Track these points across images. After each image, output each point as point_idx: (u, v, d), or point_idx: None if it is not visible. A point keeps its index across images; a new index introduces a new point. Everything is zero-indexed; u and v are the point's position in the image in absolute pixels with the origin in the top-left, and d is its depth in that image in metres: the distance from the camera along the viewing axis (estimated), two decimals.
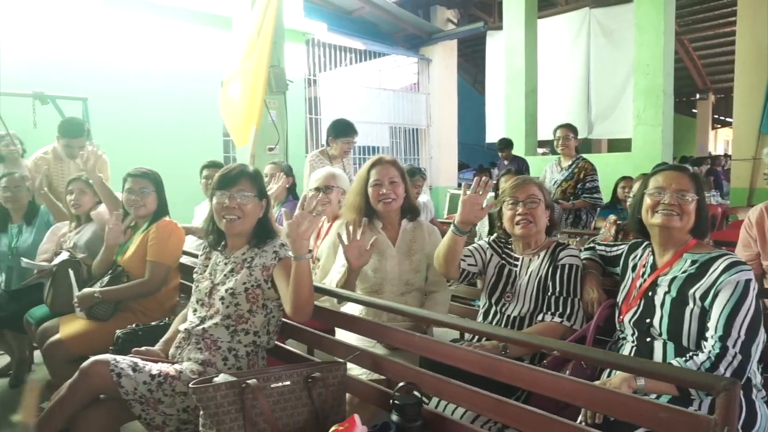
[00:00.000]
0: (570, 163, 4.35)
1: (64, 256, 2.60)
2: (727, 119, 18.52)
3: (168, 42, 6.56)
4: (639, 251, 1.78)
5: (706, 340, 1.43)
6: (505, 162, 6.21)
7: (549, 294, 1.87)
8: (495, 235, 2.14)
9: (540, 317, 1.86)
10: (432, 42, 9.56)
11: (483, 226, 3.16)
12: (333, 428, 1.20)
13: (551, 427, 1.16)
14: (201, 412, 1.29)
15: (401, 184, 2.20)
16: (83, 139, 3.81)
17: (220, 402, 1.25)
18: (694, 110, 16.85)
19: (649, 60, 5.84)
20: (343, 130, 3.97)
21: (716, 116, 17.86)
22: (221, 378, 1.31)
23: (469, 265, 2.01)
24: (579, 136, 4.99)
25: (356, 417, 1.23)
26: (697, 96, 15.89)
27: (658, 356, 1.53)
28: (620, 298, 1.73)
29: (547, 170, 4.47)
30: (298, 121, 7.98)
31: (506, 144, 6.30)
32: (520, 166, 5.67)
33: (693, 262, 1.55)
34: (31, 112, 4.50)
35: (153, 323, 2.22)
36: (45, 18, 5.56)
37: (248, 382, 1.28)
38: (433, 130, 10.01)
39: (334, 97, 8.49)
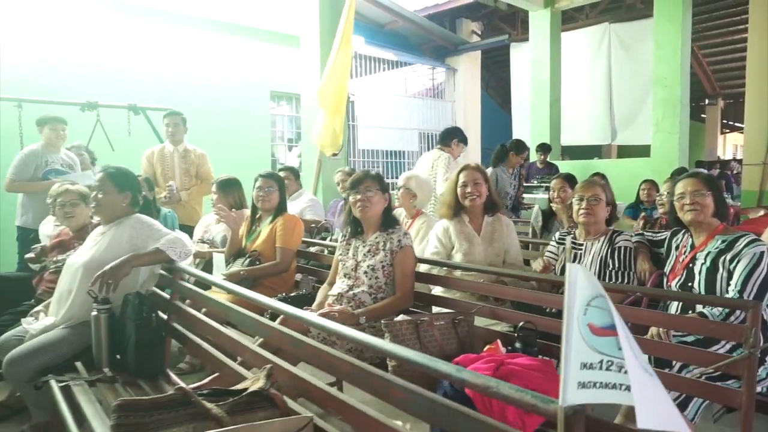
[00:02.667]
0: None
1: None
2: (736, 124, 19.01)
3: (227, 56, 7.20)
4: (679, 236, 2.37)
5: (728, 293, 2.03)
6: (539, 165, 6.77)
7: (609, 269, 2.47)
8: (558, 233, 2.75)
9: None
10: (458, 53, 10.17)
11: (537, 221, 3.75)
12: (486, 348, 1.80)
13: None
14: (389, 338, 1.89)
15: (484, 185, 2.80)
16: (177, 119, 4.47)
17: (404, 332, 1.85)
18: (703, 115, 17.37)
19: (667, 73, 6.42)
20: (463, 137, 4.43)
21: (725, 121, 18.36)
22: (400, 317, 1.91)
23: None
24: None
25: (498, 341, 1.83)
26: (706, 101, 16.41)
27: (698, 310, 2.13)
28: (667, 269, 2.33)
29: None
30: None
31: (547, 149, 6.84)
32: (556, 171, 6.27)
33: (723, 241, 2.15)
34: (126, 122, 5.15)
35: (286, 294, 2.83)
36: (117, 35, 6.20)
37: (422, 319, 1.89)
38: None
39: (369, 104, 9.11)
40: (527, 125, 8.64)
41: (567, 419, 0.81)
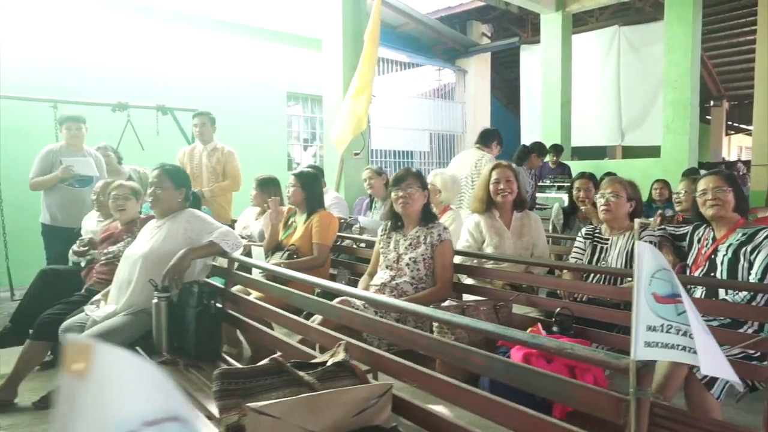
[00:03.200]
0: None
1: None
2: (741, 125, 19.15)
3: (246, 58, 7.38)
4: (701, 230, 2.53)
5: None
6: (551, 166, 6.92)
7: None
8: (584, 229, 2.91)
9: (629, 280, 2.61)
10: (468, 54, 10.34)
11: (558, 219, 3.91)
12: (529, 329, 1.97)
13: None
14: (435, 324, 2.06)
15: (515, 182, 2.96)
16: (204, 119, 4.60)
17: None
18: (708, 117, 17.51)
19: (678, 76, 6.57)
20: (501, 139, 4.58)
21: (729, 122, 18.50)
22: (447, 302, 2.08)
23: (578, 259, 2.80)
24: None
25: (539, 325, 1.99)
26: (711, 103, 16.54)
27: (721, 297, 2.29)
28: (690, 261, 2.49)
29: None
30: None
31: (559, 150, 6.99)
32: (568, 171, 6.43)
33: (744, 234, 2.31)
34: (155, 122, 5.33)
35: None
36: (145, 39, 6.40)
37: (468, 304, 2.06)
38: (468, 137, 10.77)
39: (382, 105, 9.28)
40: (536, 126, 8.80)
41: (638, 371, 0.97)
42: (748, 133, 19.88)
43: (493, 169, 2.99)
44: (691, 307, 1.00)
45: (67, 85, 5.43)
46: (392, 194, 2.65)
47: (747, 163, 11.29)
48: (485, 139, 4.42)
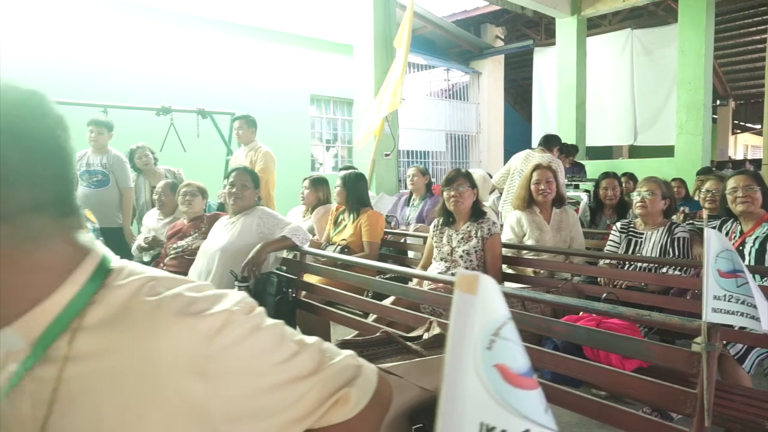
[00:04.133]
0: None
1: None
2: (747, 124, 19.36)
3: (274, 63, 7.65)
4: (728, 224, 2.79)
5: None
6: (566, 165, 7.17)
7: (669, 256, 2.88)
8: (621, 222, 3.16)
9: (663, 270, 2.87)
10: (482, 57, 10.60)
11: (585, 216, 4.17)
12: (564, 317, 2.23)
13: None
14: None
15: (554, 182, 3.23)
16: (242, 123, 4.84)
17: (512, 300, 2.28)
18: (714, 116, 17.73)
19: (691, 78, 6.82)
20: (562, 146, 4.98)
21: (736, 122, 18.71)
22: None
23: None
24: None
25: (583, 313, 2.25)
26: (718, 102, 16.75)
27: None
28: None
29: None
30: None
31: (575, 150, 7.24)
32: (582, 170, 6.68)
33: None
34: (195, 125, 5.60)
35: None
36: (185, 45, 6.70)
37: (517, 294, 2.33)
38: (482, 137, 11.04)
39: (403, 107, 9.54)
40: (549, 127, 9.05)
41: (708, 330, 1.23)
42: (754, 131, 20.12)
43: (533, 170, 3.25)
44: (752, 280, 1.26)
45: (116, 90, 5.72)
46: (444, 193, 2.92)
47: (753, 162, 11.53)
48: (548, 143, 4.77)
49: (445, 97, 10.84)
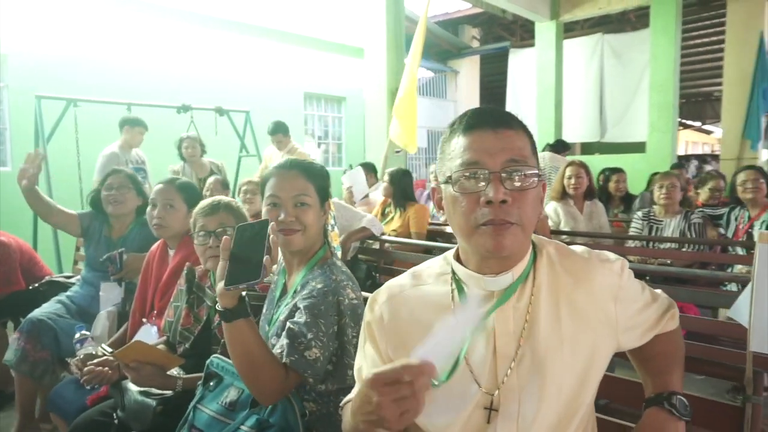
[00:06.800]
0: None
1: None
2: (688, 122, 20.86)
3: (274, 61, 7.82)
4: (736, 210, 3.33)
5: None
6: None
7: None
8: (642, 211, 3.64)
9: (684, 249, 3.38)
10: (460, 56, 11.09)
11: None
12: None
13: None
14: None
15: (585, 178, 3.68)
16: (279, 135, 5.11)
17: None
18: None
19: (662, 81, 7.52)
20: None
21: (679, 120, 20.11)
22: None
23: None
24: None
25: None
26: None
27: None
28: (730, 234, 3.28)
29: None
30: (358, 127, 9.37)
31: (568, 147, 7.73)
32: None
33: None
34: (213, 123, 5.74)
35: None
36: (202, 45, 6.80)
37: None
38: None
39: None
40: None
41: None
42: (694, 128, 21.70)
43: (567, 166, 3.70)
44: None
45: (138, 88, 5.78)
46: None
47: (700, 158, 12.60)
48: (556, 148, 5.45)
49: (424, 95, 11.26)
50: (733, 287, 2.90)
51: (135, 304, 2.19)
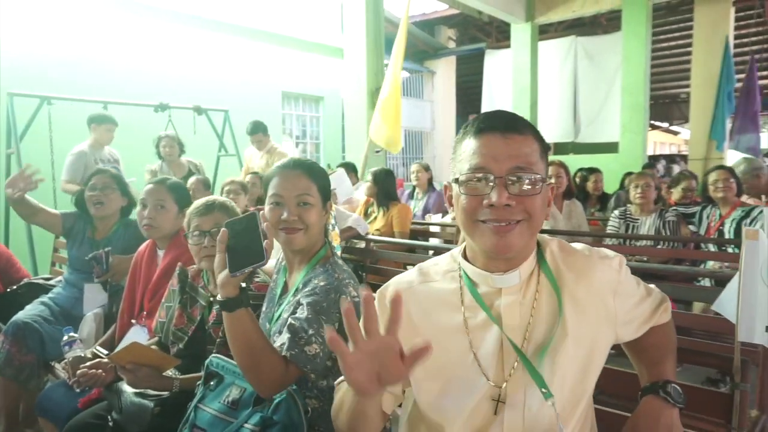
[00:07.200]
0: None
1: None
2: (656, 123, 21.45)
3: (252, 60, 7.75)
4: (707, 209, 3.46)
5: None
6: None
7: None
8: (618, 210, 3.76)
9: (659, 246, 3.50)
10: (437, 57, 11.17)
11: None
12: None
13: None
14: None
15: (564, 177, 3.77)
16: (259, 135, 5.10)
17: None
18: None
19: (634, 83, 7.73)
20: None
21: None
22: None
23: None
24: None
25: None
26: None
27: None
28: (702, 231, 3.41)
29: None
30: (336, 127, 9.38)
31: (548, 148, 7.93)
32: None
33: (743, 211, 3.24)
34: (191, 122, 5.67)
35: None
36: (179, 43, 6.71)
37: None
38: (436, 133, 11.63)
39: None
40: None
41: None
42: (662, 129, 22.32)
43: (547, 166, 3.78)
44: None
45: (115, 86, 5.67)
46: None
47: (668, 157, 12.98)
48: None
49: (401, 95, 11.30)
50: (706, 282, 3.03)
51: (123, 306, 2.17)
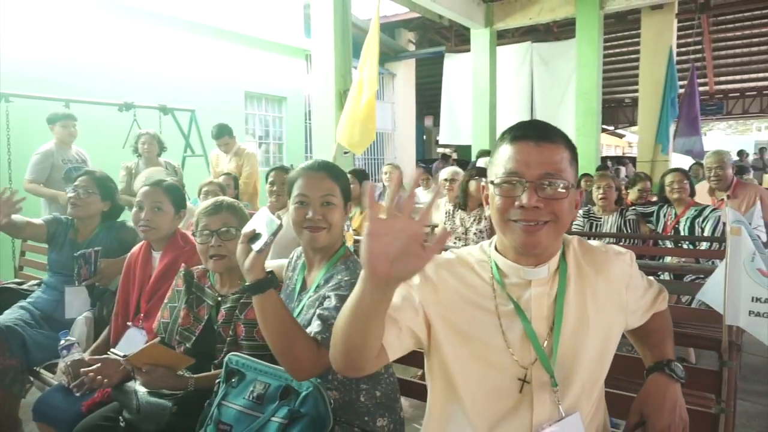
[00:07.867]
0: None
1: None
2: (604, 126, 22.44)
3: (215, 59, 7.64)
4: (665, 208, 3.72)
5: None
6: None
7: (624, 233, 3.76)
8: (582, 210, 3.97)
9: (622, 242, 3.74)
10: (397, 59, 11.32)
11: None
12: None
13: None
14: None
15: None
16: (225, 138, 5.06)
17: None
18: None
19: (587, 89, 8.11)
20: None
21: None
22: None
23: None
24: None
25: None
26: None
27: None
28: (660, 229, 3.66)
29: None
30: (299, 127, 9.37)
31: (488, 154, 8.18)
32: None
33: (696, 210, 3.52)
34: (158, 121, 5.56)
35: None
36: (147, 42, 6.53)
37: None
38: (397, 135, 11.79)
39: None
40: (456, 127, 10.12)
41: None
42: (610, 132, 23.36)
43: None
44: None
45: (78, 84, 5.47)
46: (473, 183, 3.51)
47: (615, 159, 13.66)
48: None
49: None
50: (666, 276, 3.27)
51: (117, 308, 2.15)
